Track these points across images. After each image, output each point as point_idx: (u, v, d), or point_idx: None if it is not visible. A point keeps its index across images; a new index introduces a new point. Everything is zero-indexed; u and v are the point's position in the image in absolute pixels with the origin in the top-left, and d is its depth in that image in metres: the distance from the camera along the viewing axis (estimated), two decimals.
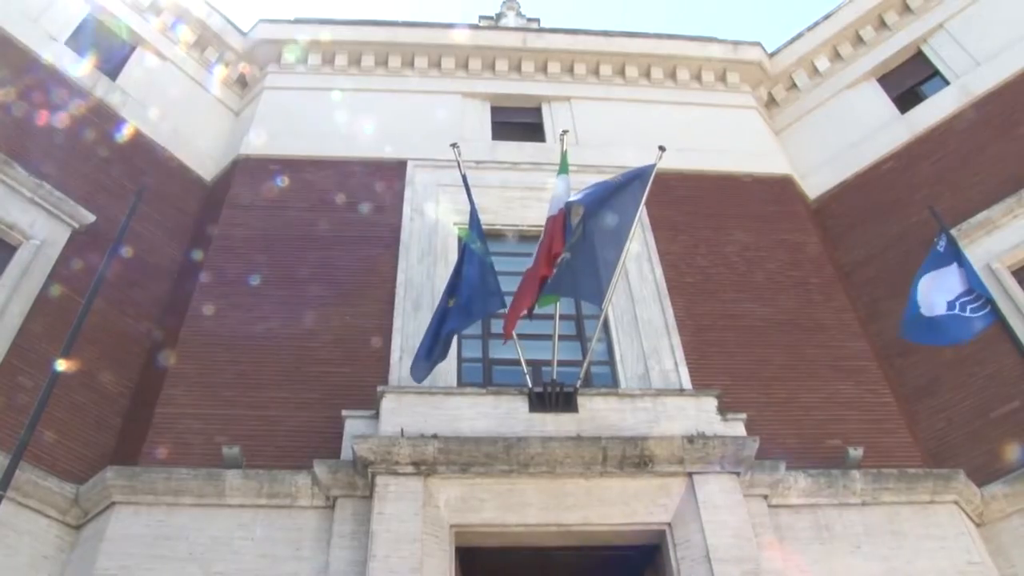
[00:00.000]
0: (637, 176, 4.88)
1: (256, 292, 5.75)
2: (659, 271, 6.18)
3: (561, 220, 4.60)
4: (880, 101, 7.70)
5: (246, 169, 6.91)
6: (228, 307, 5.61)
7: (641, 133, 7.48)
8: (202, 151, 7.26)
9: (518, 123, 7.96)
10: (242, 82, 8.12)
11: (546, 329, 5.31)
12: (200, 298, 5.66)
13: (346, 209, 6.57)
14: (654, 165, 4.90)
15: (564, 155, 4.98)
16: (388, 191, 6.77)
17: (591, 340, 5.07)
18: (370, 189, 6.78)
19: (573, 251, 4.71)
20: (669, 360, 5.48)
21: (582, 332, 5.81)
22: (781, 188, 7.29)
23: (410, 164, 6.95)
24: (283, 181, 6.82)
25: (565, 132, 4.79)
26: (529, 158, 7.09)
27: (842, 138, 7.66)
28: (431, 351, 4.58)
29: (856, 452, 4.85)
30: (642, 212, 4.91)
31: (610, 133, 7.58)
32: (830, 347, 5.75)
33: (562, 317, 5.19)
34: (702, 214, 6.87)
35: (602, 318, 4.97)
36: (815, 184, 7.57)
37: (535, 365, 5.33)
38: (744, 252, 6.57)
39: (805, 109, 8.25)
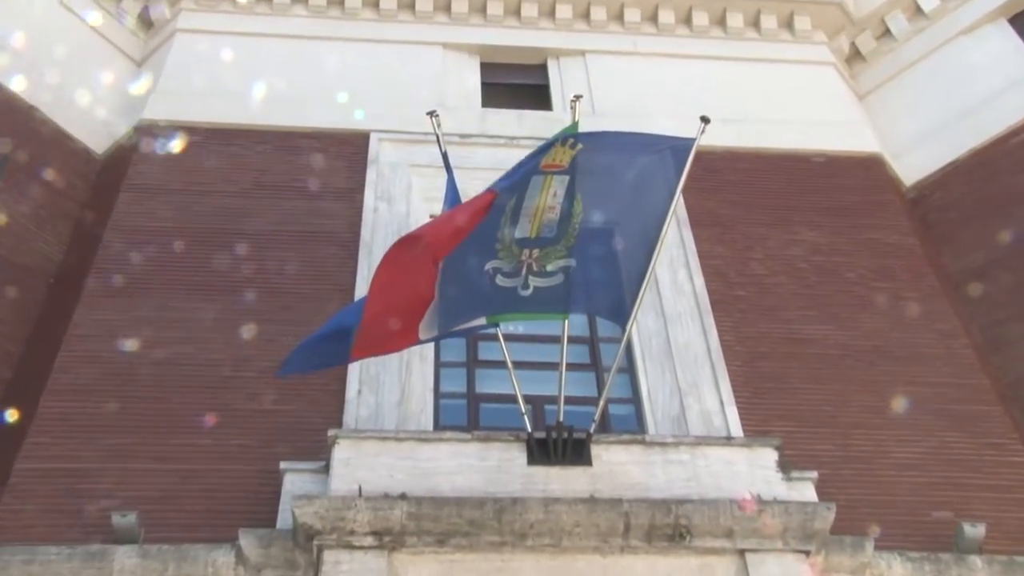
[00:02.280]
0: (670, 151, 5.02)
1: (164, 304, 5.93)
2: (699, 281, 6.39)
3: (484, 205, 4.71)
4: (1011, 50, 7.72)
5: (151, 139, 7.12)
6: (124, 323, 5.77)
7: (678, 99, 7.73)
8: (90, 114, 7.42)
9: (516, 85, 8.24)
10: (145, 21, 8.32)
11: (550, 355, 5.50)
12: (85, 311, 5.81)
13: (289, 195, 6.79)
14: (694, 140, 5.04)
15: (576, 127, 5.00)
16: (345, 172, 7.00)
17: (609, 371, 5.16)
18: (321, 169, 7.03)
19: (578, 254, 4.89)
20: (712, 398, 5.67)
21: (598, 360, 6.01)
22: (866, 171, 7.56)
23: (374, 137, 7.18)
24: (203, 157, 7.03)
25: (578, 97, 4.90)
26: (530, 131, 7.29)
27: (953, 103, 7.81)
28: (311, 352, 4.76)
29: (975, 530, 4.87)
30: (678, 202, 5.02)
31: (637, 99, 7.84)
32: (934, 384, 5.93)
33: (571, 340, 5.28)
34: (758, 206, 7.12)
35: (624, 342, 5.08)
36: (913, 165, 7.80)
37: (536, 403, 5.52)
38: (815, 256, 6.81)
39: (902, 64, 8.47)
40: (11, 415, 5.37)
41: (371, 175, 6.90)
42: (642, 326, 6.11)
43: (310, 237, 6.46)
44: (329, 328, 4.78)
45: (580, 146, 4.72)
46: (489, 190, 4.78)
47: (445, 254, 4.58)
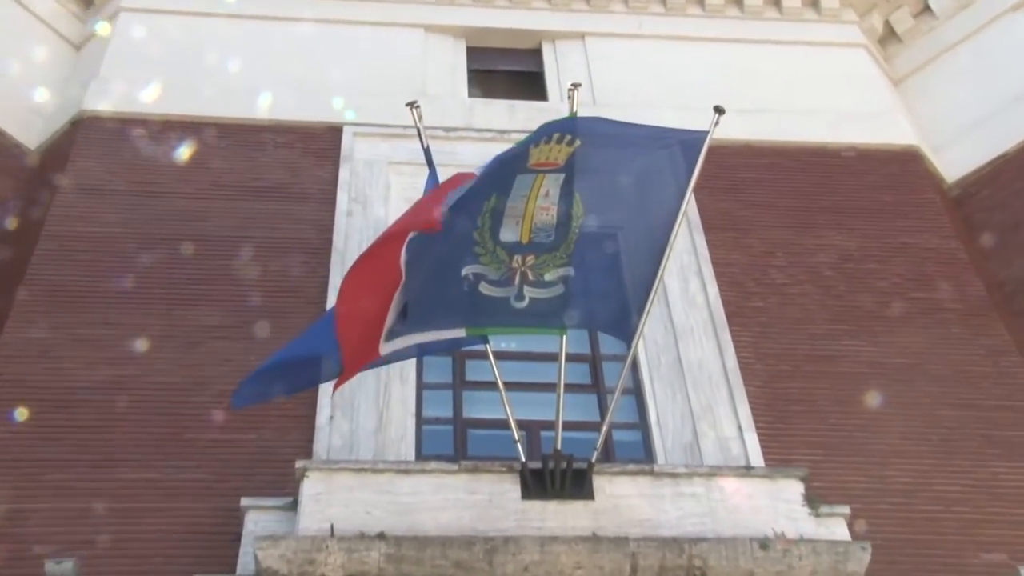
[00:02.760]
0: (679, 146, 5.10)
1: (106, 320, 5.99)
2: (714, 291, 6.52)
3: (444, 191, 4.83)
4: None
5: (92, 133, 7.22)
6: (61, 342, 5.83)
7: (688, 87, 7.91)
8: (21, 104, 7.50)
9: (507, 72, 8.40)
10: None
11: (547, 375, 5.57)
12: (15, 328, 5.86)
13: (251, 196, 6.91)
14: (707, 133, 5.11)
15: (573, 119, 5.04)
16: (315, 171, 7.13)
17: (613, 393, 5.24)
18: (288, 168, 7.15)
19: (577, 262, 4.97)
20: (730, 423, 5.77)
21: (600, 381, 6.12)
22: (903, 166, 7.72)
23: (347, 131, 7.32)
24: (152, 153, 7.14)
25: (576, 86, 4.95)
26: (523, 124, 7.29)
27: (1001, 88, 7.89)
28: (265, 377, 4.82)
29: None
30: (689, 203, 5.11)
31: (642, 87, 8.01)
32: (982, 407, 6.01)
33: (570, 358, 5.35)
34: (779, 207, 7.29)
35: (629, 360, 5.15)
36: (956, 160, 7.93)
37: (531, 428, 5.55)
38: (845, 263, 6.95)
39: (942, 46, 8.60)
40: None
41: (344, 174, 7.01)
42: (650, 342, 6.21)
43: (275, 244, 6.55)
44: (295, 352, 4.85)
45: (578, 143, 4.79)
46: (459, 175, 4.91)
47: (409, 233, 4.68)
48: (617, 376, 5.21)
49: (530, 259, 4.95)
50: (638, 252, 5.11)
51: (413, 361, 5.91)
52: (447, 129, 7.31)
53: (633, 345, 5.06)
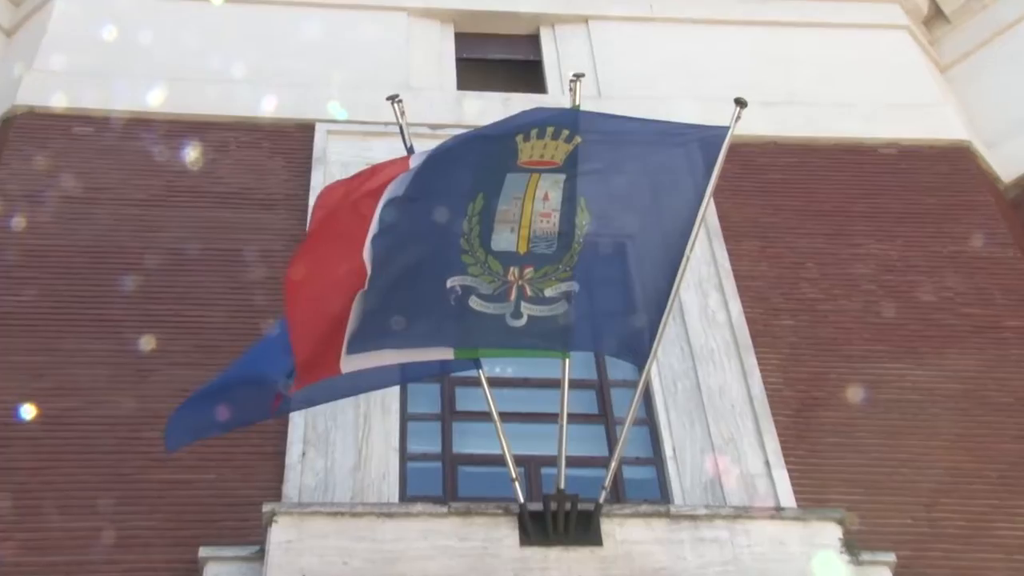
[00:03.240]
0: (697, 144, 5.16)
1: (44, 346, 6.01)
2: (736, 307, 6.57)
3: (390, 176, 4.90)
4: None
5: (26, 131, 7.26)
6: None
7: (706, 76, 7.98)
8: None
9: (501, 61, 8.46)
10: None
11: (548, 404, 5.59)
12: None
13: (211, 204, 6.95)
14: (728, 129, 5.17)
15: (576, 109, 5.11)
16: (283, 174, 7.20)
17: (623, 424, 5.23)
18: (252, 171, 7.20)
19: (581, 275, 4.99)
20: (756, 457, 5.79)
21: (608, 410, 6.13)
22: (952, 164, 7.78)
23: (320, 129, 7.40)
24: (95, 154, 7.17)
25: (579, 77, 5.07)
26: None
27: None
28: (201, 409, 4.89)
29: None
30: (708, 208, 5.15)
31: (654, 77, 8.09)
32: None
33: (575, 385, 5.39)
34: (812, 211, 7.35)
35: (641, 386, 5.17)
36: (1013, 157, 7.98)
37: (530, 465, 5.57)
38: (885, 275, 7.00)
39: (996, 27, 8.64)
40: None
41: (317, 177, 7.03)
42: (664, 366, 6.24)
43: (238, 258, 6.56)
44: (241, 373, 4.88)
45: (579, 140, 4.82)
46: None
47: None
48: (628, 405, 5.22)
49: (528, 272, 5.00)
50: (651, 264, 5.17)
51: (395, 389, 5.92)
52: (433, 126, 7.26)
53: (646, 370, 5.09)
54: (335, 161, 7.19)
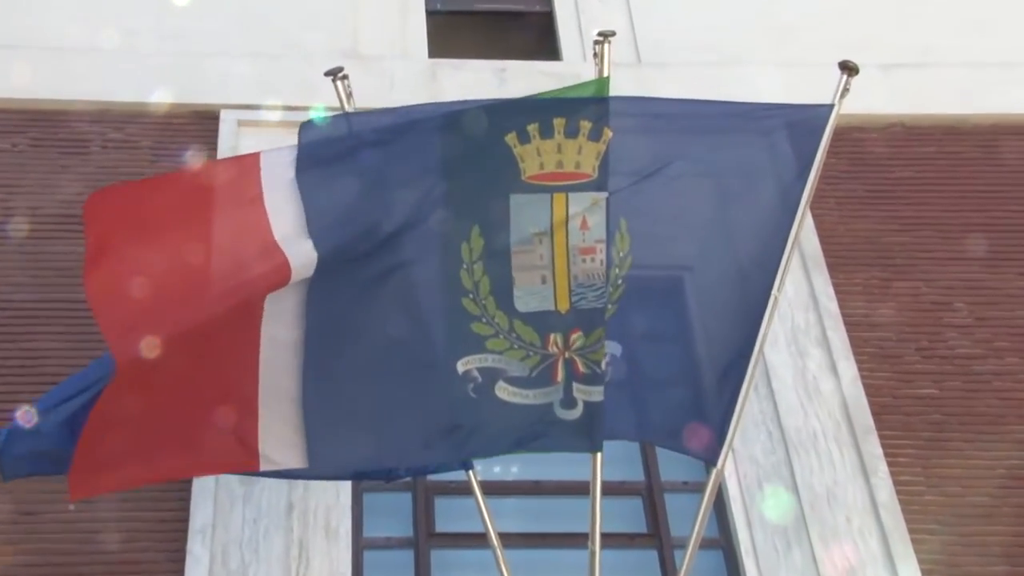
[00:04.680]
0: (784, 131, 5.21)
1: None
2: (850, 370, 6.55)
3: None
4: None
5: None
6: None
7: (792, 32, 8.11)
8: None
9: (493, 15, 8.67)
10: None
11: (572, 519, 5.60)
12: None
13: (74, 222, 6.95)
14: (831, 108, 5.20)
15: (601, 84, 5.15)
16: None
17: (686, 547, 5.08)
18: (134, 175, 7.09)
19: (619, 328, 4.99)
20: None
21: (661, 526, 6.08)
22: None
23: (228, 119, 7.55)
24: None
25: (607, 36, 5.08)
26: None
27: None
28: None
29: None
30: (803, 223, 5.11)
31: (716, 34, 8.22)
32: None
33: (610, 490, 5.33)
34: (960, 226, 7.37)
35: (710, 489, 5.04)
36: None
37: None
38: None
39: None
40: None
41: None
42: (744, 460, 6.20)
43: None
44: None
45: (609, 133, 4.87)
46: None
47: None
48: (691, 520, 5.12)
49: (577, 338, 4.96)
50: (719, 308, 5.16)
51: (343, 501, 5.93)
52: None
53: (718, 467, 4.99)
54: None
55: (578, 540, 5.25)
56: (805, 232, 6.32)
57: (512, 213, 4.90)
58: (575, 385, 4.93)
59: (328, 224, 4.84)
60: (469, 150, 4.92)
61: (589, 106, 4.89)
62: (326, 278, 4.78)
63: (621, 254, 5.05)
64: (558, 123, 4.84)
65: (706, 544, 5.60)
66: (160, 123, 7.69)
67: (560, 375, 4.94)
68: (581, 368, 4.94)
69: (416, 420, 4.98)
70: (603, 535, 5.00)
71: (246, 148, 7.29)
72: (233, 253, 4.82)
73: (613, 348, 5.04)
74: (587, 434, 4.96)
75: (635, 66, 7.72)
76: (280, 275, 4.68)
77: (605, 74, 5.03)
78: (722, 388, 5.05)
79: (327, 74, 5.39)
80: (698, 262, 5.25)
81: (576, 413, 4.93)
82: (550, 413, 4.95)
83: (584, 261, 4.93)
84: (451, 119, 4.98)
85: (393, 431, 5.00)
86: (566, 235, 4.91)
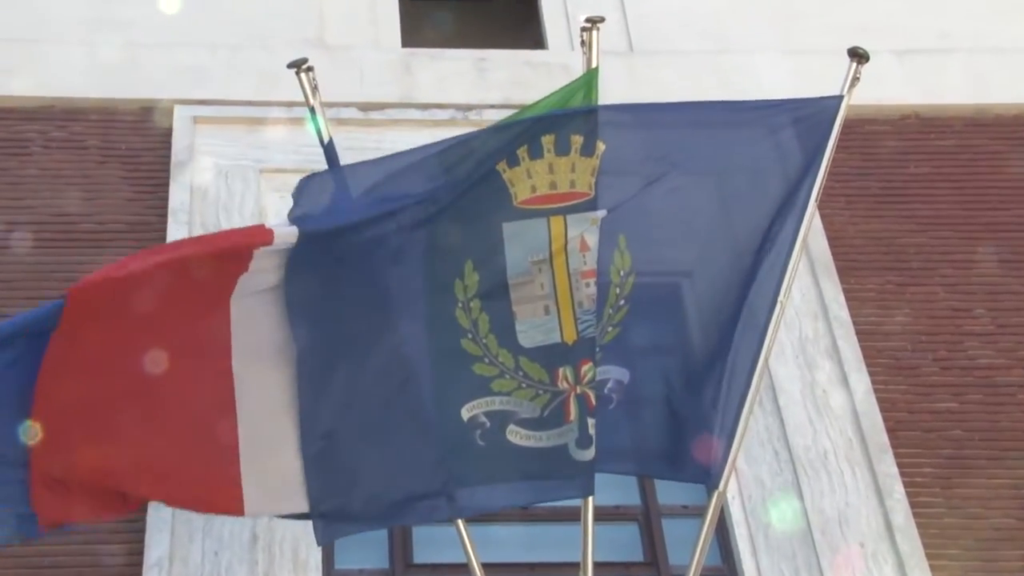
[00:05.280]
0: (790, 126, 5.27)
1: None
2: (862, 383, 6.56)
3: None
4: None
5: None
6: None
7: (800, 17, 8.16)
8: None
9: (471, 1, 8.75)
10: None
11: (562, 547, 5.68)
12: None
13: (24, 226, 7.12)
14: (840, 99, 5.30)
15: (590, 79, 5.22)
16: (124, 189, 7.36)
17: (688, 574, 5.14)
18: (74, 185, 7.36)
19: (624, 352, 5.08)
20: None
21: (658, 553, 6.12)
22: None
23: (182, 115, 7.54)
24: None
25: (595, 22, 5.13)
26: (503, 95, 7.64)
27: None
28: None
29: None
30: (811, 224, 5.24)
31: (716, 19, 8.29)
32: None
33: (603, 515, 5.42)
34: (981, 225, 7.46)
35: (711, 513, 5.09)
36: None
37: None
38: None
39: None
40: None
41: (179, 195, 7.16)
42: (748, 482, 6.25)
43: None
44: None
45: (603, 146, 4.94)
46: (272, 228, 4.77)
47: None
48: (691, 546, 5.16)
49: (587, 370, 5.00)
50: (720, 316, 5.22)
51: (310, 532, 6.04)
52: (366, 106, 7.52)
53: (721, 489, 5.05)
54: (205, 166, 7.28)
55: (569, 571, 5.31)
56: (813, 234, 6.40)
57: (506, 243, 4.98)
58: (588, 421, 4.97)
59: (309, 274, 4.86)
60: (459, 186, 4.97)
61: (577, 118, 4.97)
62: (313, 325, 4.86)
63: (622, 273, 5.13)
64: (547, 141, 4.92)
65: (708, 573, 5.65)
66: (108, 120, 7.73)
67: (573, 412, 4.98)
68: (594, 402, 5.00)
69: (421, 477, 5.01)
70: (596, 564, 5.08)
71: (204, 146, 7.45)
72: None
73: (619, 374, 5.14)
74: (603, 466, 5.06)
75: (627, 55, 7.78)
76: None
77: (594, 64, 5.13)
78: (724, 404, 5.11)
79: (290, 66, 5.41)
80: (698, 267, 5.33)
81: (593, 452, 4.97)
82: (565, 455, 5.00)
83: (587, 286, 5.01)
84: (440, 158, 5.01)
85: (396, 491, 5.03)
86: (566, 260, 4.99)
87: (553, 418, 4.99)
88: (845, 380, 6.69)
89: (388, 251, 4.91)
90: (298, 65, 5.37)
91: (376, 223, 4.92)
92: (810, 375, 6.73)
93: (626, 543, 6.25)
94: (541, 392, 5.00)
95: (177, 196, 7.21)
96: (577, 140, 4.93)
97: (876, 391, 6.66)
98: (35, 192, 7.36)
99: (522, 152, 4.91)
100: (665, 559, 6.16)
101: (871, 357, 6.82)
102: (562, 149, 4.92)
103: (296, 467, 4.87)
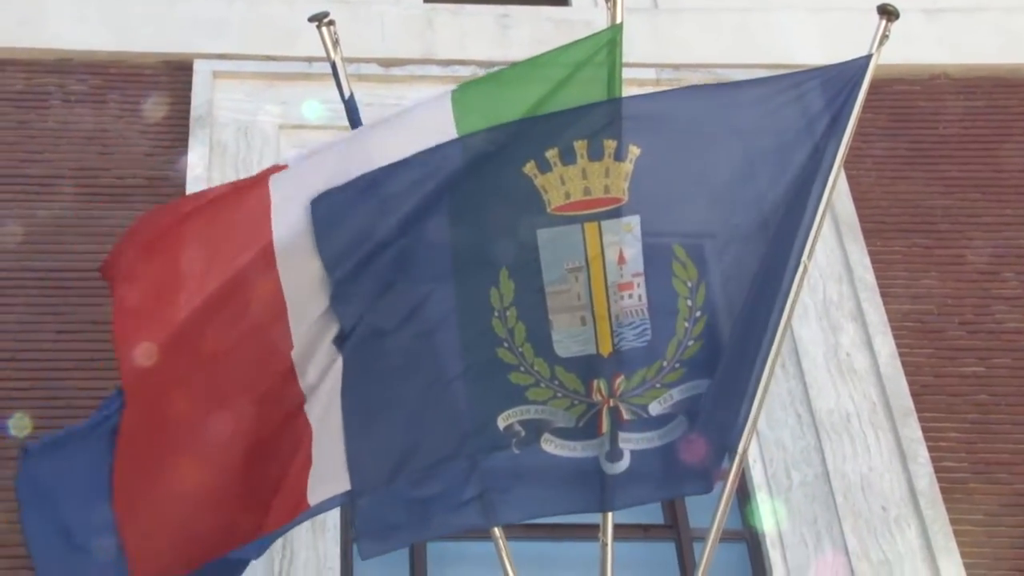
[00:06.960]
0: (820, 88, 5.23)
1: None
2: (887, 346, 6.64)
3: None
4: None
5: None
6: None
7: None
8: None
9: None
10: None
11: (579, 553, 5.81)
12: None
13: (27, 195, 7.16)
14: (868, 59, 5.24)
15: (614, 35, 5.19)
16: (142, 143, 7.40)
17: (706, 539, 5.14)
18: (91, 140, 7.40)
19: (706, 362, 5.00)
20: None
21: (679, 518, 6.19)
22: None
23: (202, 69, 7.61)
24: None
25: None
26: (526, 50, 7.32)
27: None
28: None
29: None
30: (838, 183, 5.31)
31: None
32: None
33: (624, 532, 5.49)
34: (1011, 187, 7.52)
35: (733, 477, 5.05)
36: None
37: None
38: None
39: None
40: None
41: (198, 152, 7.21)
42: (770, 445, 6.32)
43: (71, 283, 6.71)
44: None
45: (637, 151, 4.95)
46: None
47: None
48: (711, 511, 5.15)
49: (620, 383, 5.00)
50: (743, 278, 5.18)
51: (331, 548, 6.03)
52: (387, 62, 7.55)
53: (739, 453, 5.03)
54: (225, 121, 7.34)
55: (589, 532, 5.37)
56: (839, 195, 6.43)
57: (541, 250, 4.96)
58: (620, 435, 4.98)
59: (348, 293, 4.93)
60: (486, 188, 4.98)
61: (605, 116, 4.95)
62: (357, 350, 4.93)
63: (690, 284, 5.08)
64: (579, 146, 4.89)
65: (728, 536, 5.70)
66: (127, 74, 7.76)
67: (605, 426, 4.98)
68: (625, 415, 4.99)
69: (457, 485, 5.01)
70: (616, 526, 5.11)
71: (223, 104, 7.45)
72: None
73: (700, 387, 5.07)
74: (634, 487, 5.05)
75: (651, 11, 7.74)
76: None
77: (618, 20, 5.08)
78: (745, 365, 5.08)
79: (311, 19, 5.44)
80: (721, 228, 5.26)
81: (623, 466, 4.99)
82: (596, 468, 5.00)
83: (623, 298, 4.98)
84: (464, 156, 4.99)
85: (434, 502, 5.03)
86: (604, 269, 4.97)
87: (587, 430, 4.99)
88: (869, 343, 6.69)
89: (424, 271, 4.99)
90: (319, 19, 5.39)
91: (408, 241, 4.97)
92: (834, 338, 6.73)
93: (646, 505, 6.16)
94: (576, 402, 5.00)
95: (197, 153, 7.25)
96: (611, 145, 4.91)
97: (901, 355, 6.68)
98: (54, 146, 7.39)
99: (553, 156, 4.89)
100: (686, 522, 6.22)
101: (896, 320, 6.84)
102: (595, 154, 4.90)
103: (340, 451, 4.93)
